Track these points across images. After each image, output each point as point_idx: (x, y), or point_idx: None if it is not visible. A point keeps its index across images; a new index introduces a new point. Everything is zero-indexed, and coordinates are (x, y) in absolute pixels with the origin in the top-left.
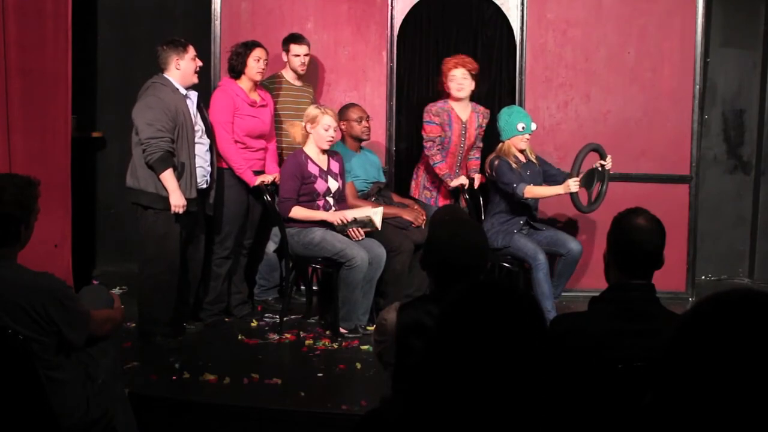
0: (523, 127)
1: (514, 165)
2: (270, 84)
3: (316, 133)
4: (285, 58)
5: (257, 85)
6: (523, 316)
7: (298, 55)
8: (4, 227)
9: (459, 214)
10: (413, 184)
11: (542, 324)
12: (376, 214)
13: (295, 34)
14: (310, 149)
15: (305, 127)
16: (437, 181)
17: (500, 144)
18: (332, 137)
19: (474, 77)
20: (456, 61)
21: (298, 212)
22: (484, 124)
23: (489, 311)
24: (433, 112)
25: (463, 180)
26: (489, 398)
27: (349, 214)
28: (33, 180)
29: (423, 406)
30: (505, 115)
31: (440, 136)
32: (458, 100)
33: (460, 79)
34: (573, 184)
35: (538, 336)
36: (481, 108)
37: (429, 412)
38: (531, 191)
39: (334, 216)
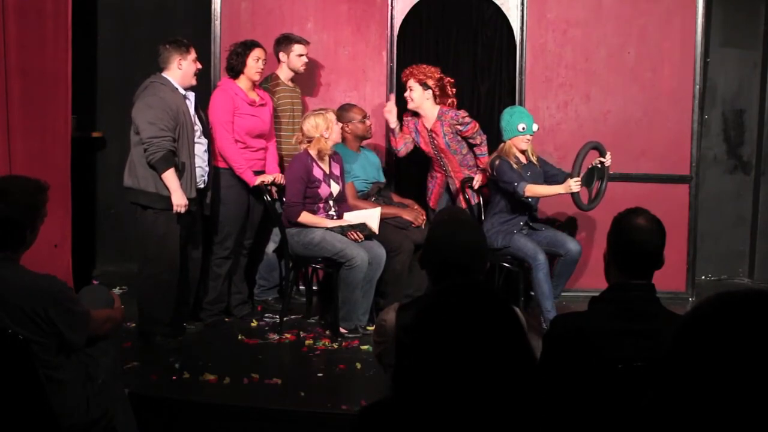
0: (523, 128)
1: (514, 165)
2: (267, 85)
3: (334, 132)
4: (283, 59)
5: (256, 85)
6: (496, 317)
7: (302, 55)
8: (10, 231)
9: (459, 214)
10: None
11: (516, 324)
12: (373, 216)
13: (292, 35)
14: (315, 152)
15: (323, 135)
16: (433, 180)
17: (501, 144)
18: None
19: (431, 84)
20: (406, 73)
21: (305, 218)
22: (458, 128)
23: (461, 313)
24: (406, 120)
25: (390, 111)
26: (467, 400)
27: (345, 220)
28: (42, 184)
29: (409, 407)
30: (507, 115)
31: (410, 139)
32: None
33: (408, 92)
34: (574, 184)
35: (513, 336)
36: (449, 114)
37: (413, 413)
38: (532, 190)
39: (338, 223)
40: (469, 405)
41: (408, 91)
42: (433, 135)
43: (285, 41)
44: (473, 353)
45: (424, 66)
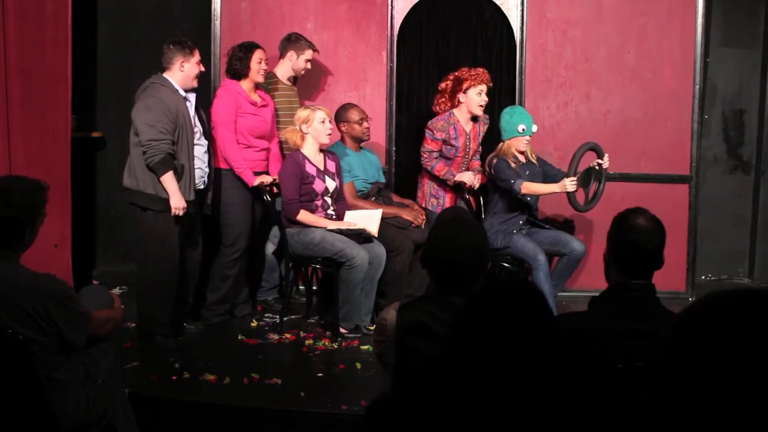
0: (523, 129)
1: (513, 164)
2: (266, 84)
3: (314, 130)
4: (291, 57)
5: (257, 86)
6: (541, 314)
7: (309, 60)
8: (10, 230)
9: (462, 215)
10: (419, 193)
11: (555, 322)
12: (374, 217)
13: (305, 38)
14: (307, 150)
15: (300, 129)
16: (443, 188)
17: (500, 143)
18: (330, 128)
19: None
20: (481, 77)
21: (304, 216)
22: (485, 131)
23: (512, 308)
24: (438, 128)
25: (468, 175)
26: (505, 395)
27: (344, 224)
28: (42, 184)
29: (437, 401)
30: (507, 115)
31: (440, 150)
32: (471, 113)
33: (484, 95)
34: (569, 183)
35: (553, 333)
36: (483, 116)
37: (444, 408)
38: (528, 188)
39: (336, 225)
40: (501, 401)
41: (484, 97)
42: (471, 137)
43: (299, 41)
44: (519, 353)
45: (483, 69)
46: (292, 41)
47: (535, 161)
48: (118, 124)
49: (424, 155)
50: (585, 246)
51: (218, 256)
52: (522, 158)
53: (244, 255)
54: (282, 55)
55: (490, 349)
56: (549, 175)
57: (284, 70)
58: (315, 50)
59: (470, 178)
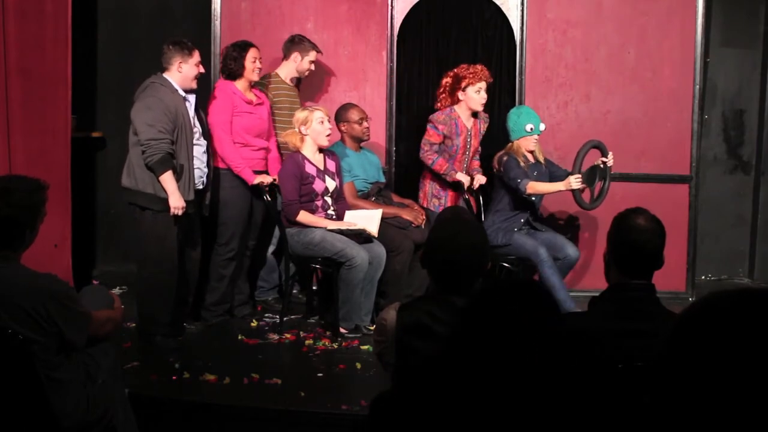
0: (531, 128)
1: (522, 164)
2: (265, 83)
3: (313, 131)
4: (295, 59)
5: (252, 85)
6: (541, 314)
7: (313, 62)
8: (10, 230)
9: (462, 214)
10: (420, 194)
11: (558, 321)
12: (374, 217)
13: (309, 39)
14: (307, 150)
15: (300, 130)
16: (445, 188)
17: (509, 144)
18: (329, 128)
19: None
20: (479, 74)
21: (304, 217)
22: (485, 129)
23: (512, 308)
24: (440, 120)
25: (466, 177)
26: (505, 395)
27: (344, 224)
28: (42, 183)
29: (437, 401)
30: (514, 115)
31: (441, 143)
32: (471, 110)
33: (483, 92)
34: (574, 181)
35: (553, 333)
36: (482, 114)
37: (445, 408)
38: (533, 187)
39: (337, 225)
40: (501, 401)
41: (483, 93)
42: (472, 134)
43: (303, 42)
44: (524, 350)
45: (481, 66)
46: (296, 43)
47: (542, 161)
48: (118, 124)
49: (425, 147)
50: (579, 252)
51: (213, 256)
52: (531, 158)
53: (239, 255)
54: (286, 57)
55: (490, 350)
56: (555, 176)
57: (287, 71)
58: (319, 51)
59: (468, 180)
